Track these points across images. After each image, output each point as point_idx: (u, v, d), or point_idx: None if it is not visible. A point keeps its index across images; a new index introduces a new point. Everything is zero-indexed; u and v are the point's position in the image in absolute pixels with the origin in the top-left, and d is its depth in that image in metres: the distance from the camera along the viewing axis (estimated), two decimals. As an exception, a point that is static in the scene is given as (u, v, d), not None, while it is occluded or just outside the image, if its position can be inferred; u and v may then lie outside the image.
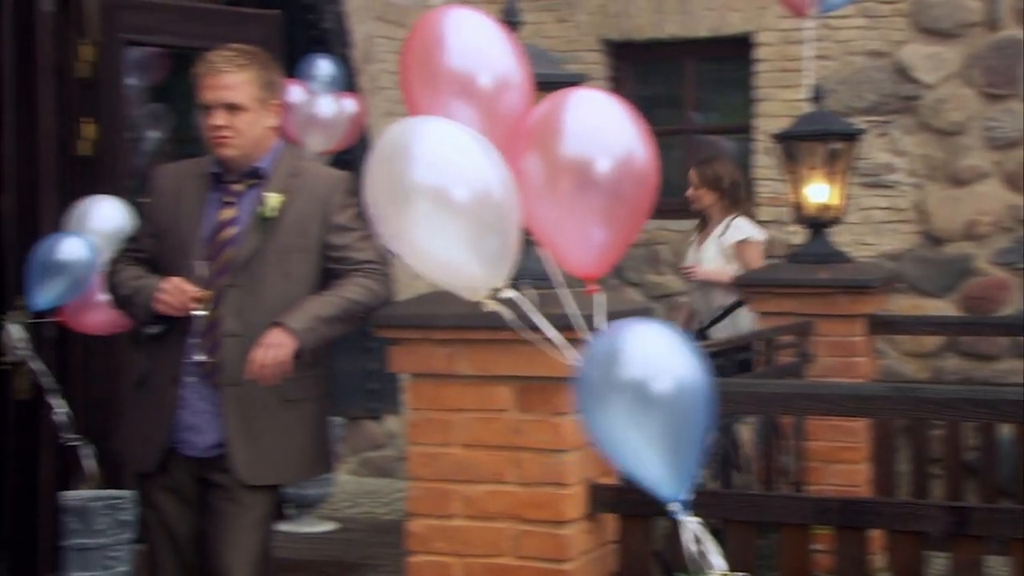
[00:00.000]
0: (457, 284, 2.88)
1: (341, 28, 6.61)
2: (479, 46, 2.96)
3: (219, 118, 3.43)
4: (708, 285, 5.91)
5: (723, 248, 5.90)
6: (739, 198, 6.01)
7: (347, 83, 6.04)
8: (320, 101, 5.67)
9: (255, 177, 3.52)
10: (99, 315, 4.29)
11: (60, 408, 4.29)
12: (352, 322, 3.48)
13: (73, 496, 4.31)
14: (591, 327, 2.86)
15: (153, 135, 5.95)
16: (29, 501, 4.59)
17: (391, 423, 7.17)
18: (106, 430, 4.60)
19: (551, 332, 2.86)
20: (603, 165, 2.82)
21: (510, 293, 2.84)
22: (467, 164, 2.76)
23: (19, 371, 4.44)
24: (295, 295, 3.44)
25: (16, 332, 4.34)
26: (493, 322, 3.18)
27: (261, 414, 3.43)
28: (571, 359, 2.78)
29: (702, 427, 2.53)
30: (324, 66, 5.82)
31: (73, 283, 4.20)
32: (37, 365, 4.34)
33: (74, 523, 4.25)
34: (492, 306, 2.86)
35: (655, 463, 2.53)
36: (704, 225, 6.06)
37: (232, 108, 3.44)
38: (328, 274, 3.51)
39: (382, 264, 3.57)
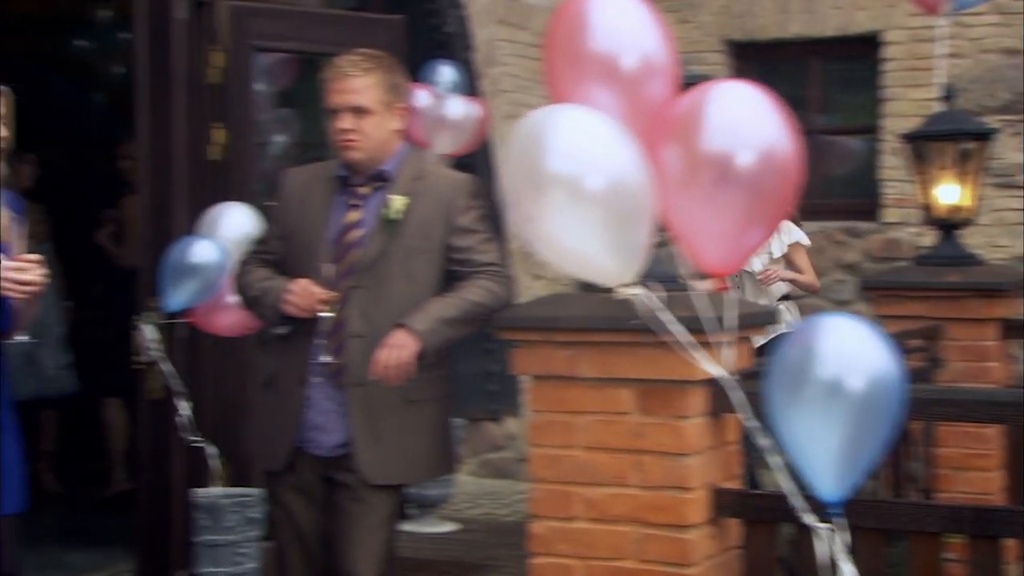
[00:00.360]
0: (589, 275, 2.86)
1: (464, 32, 6.65)
2: (624, 28, 2.91)
3: (346, 121, 3.48)
4: (761, 286, 5.86)
5: (773, 251, 5.83)
6: None
7: (469, 87, 6.07)
8: (449, 103, 5.73)
9: (380, 180, 3.56)
10: (228, 317, 4.36)
11: (184, 409, 4.37)
12: (474, 324, 3.50)
13: (204, 493, 4.39)
14: (722, 328, 2.83)
15: (280, 139, 6.06)
16: (162, 498, 4.70)
17: (511, 425, 7.19)
18: (235, 429, 4.69)
19: (680, 332, 2.83)
20: (745, 159, 2.76)
21: (639, 290, 2.82)
22: (603, 154, 2.72)
23: (152, 371, 4.53)
24: (419, 297, 3.47)
25: (149, 333, 4.43)
26: (615, 324, 3.17)
27: (385, 414, 3.47)
28: (701, 360, 2.76)
29: (886, 432, 2.49)
30: (447, 71, 5.88)
31: (204, 285, 4.28)
32: (167, 366, 4.44)
33: (205, 520, 4.33)
34: (626, 294, 2.84)
35: (828, 463, 2.48)
36: None
37: (358, 111, 3.48)
38: (451, 276, 3.54)
39: (504, 266, 3.59)
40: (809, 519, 2.50)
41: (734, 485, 3.25)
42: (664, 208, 2.80)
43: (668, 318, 2.82)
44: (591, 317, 3.25)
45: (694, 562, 3.13)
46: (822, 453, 2.50)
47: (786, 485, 2.54)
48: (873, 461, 2.55)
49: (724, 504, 3.20)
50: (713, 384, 3.14)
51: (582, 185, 2.69)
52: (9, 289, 3.26)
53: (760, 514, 3.14)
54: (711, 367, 2.90)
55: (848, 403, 2.46)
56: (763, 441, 2.58)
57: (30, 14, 7.23)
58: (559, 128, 2.76)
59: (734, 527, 3.25)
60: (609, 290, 2.86)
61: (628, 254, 2.76)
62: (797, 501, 2.52)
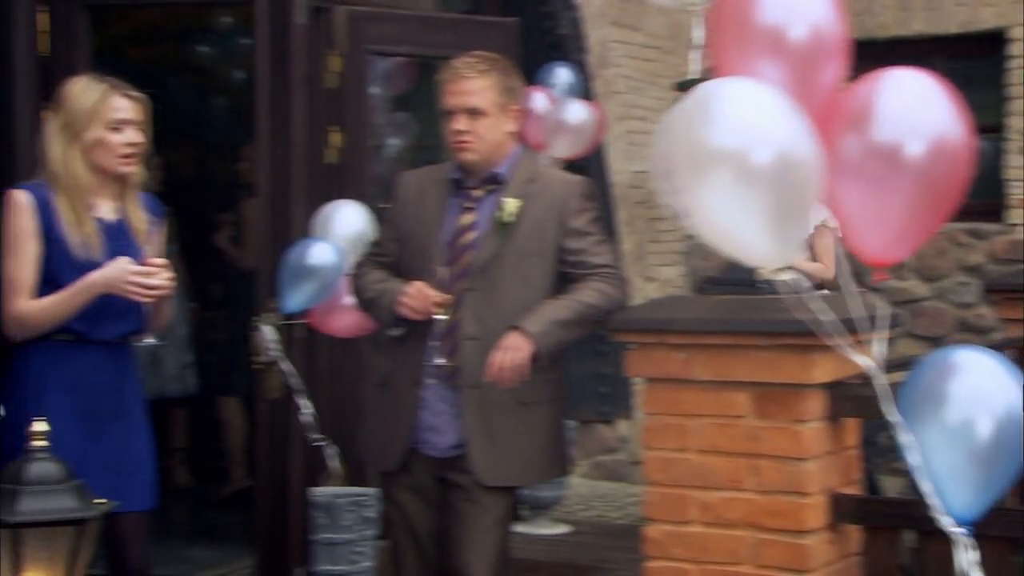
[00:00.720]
0: (741, 255, 2.81)
1: (577, 33, 6.64)
2: (797, 1, 2.83)
3: (461, 123, 3.50)
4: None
5: None
6: None
7: (583, 89, 6.07)
8: (569, 107, 5.73)
9: (494, 182, 3.57)
10: (345, 318, 4.41)
11: (307, 408, 4.43)
12: (588, 326, 3.49)
13: (320, 492, 4.45)
14: (873, 328, 2.78)
15: (395, 142, 6.12)
16: (280, 496, 4.77)
17: (622, 427, 7.16)
18: (350, 429, 4.74)
19: (831, 322, 2.77)
20: (915, 148, 2.69)
21: (789, 275, 2.78)
22: (773, 129, 2.64)
23: (271, 371, 4.60)
24: (532, 299, 3.47)
25: (268, 333, 4.50)
26: (730, 327, 3.14)
27: (499, 416, 3.48)
28: (849, 351, 2.70)
29: (1019, 462, 2.46)
30: (563, 73, 5.88)
31: (321, 287, 4.34)
32: (287, 366, 4.50)
33: (321, 518, 4.39)
34: (772, 275, 2.80)
35: (961, 487, 2.46)
36: None
37: (473, 113, 3.50)
38: (564, 278, 3.53)
39: (617, 268, 3.57)
40: (947, 524, 2.45)
41: (853, 490, 3.19)
42: (828, 193, 2.73)
43: (819, 306, 2.77)
44: (706, 319, 3.22)
45: (812, 568, 3.09)
46: (955, 479, 2.47)
47: (925, 487, 2.49)
48: (1007, 486, 2.50)
49: (843, 510, 3.15)
50: (832, 388, 3.09)
51: (749, 161, 2.61)
52: (136, 293, 3.35)
53: (881, 520, 3.09)
54: (860, 359, 2.81)
55: (981, 442, 2.43)
56: (904, 440, 2.53)
57: (155, 22, 7.42)
58: (728, 100, 2.70)
59: (854, 533, 3.20)
60: (752, 283, 2.82)
61: (788, 236, 2.69)
62: (935, 505, 2.47)
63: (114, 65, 3.86)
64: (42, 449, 2.65)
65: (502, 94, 3.53)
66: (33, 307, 3.36)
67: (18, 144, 4.63)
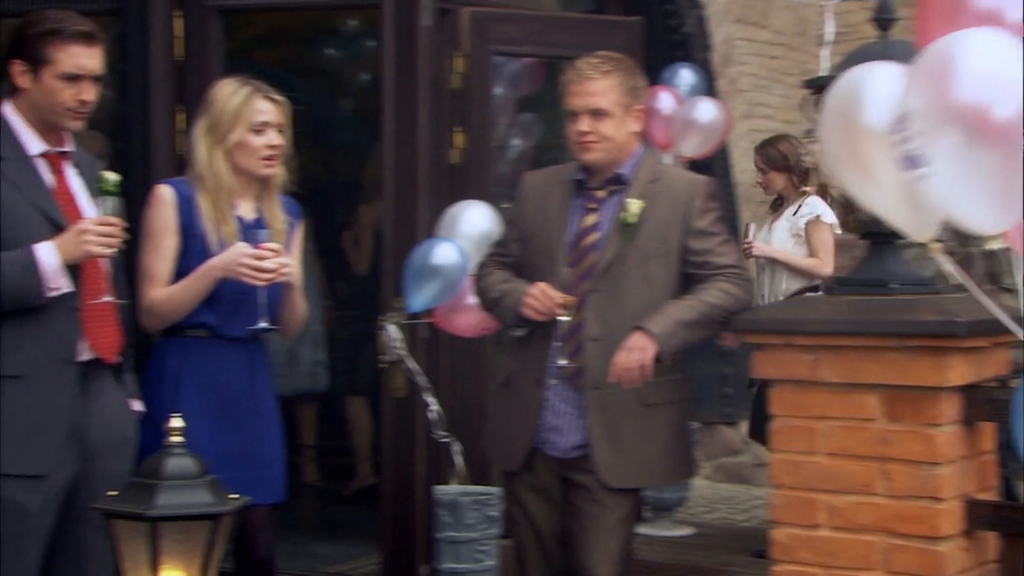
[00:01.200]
0: (963, 220, 2.67)
1: (702, 32, 6.59)
2: None
3: (584, 123, 3.50)
4: (775, 267, 5.53)
5: (796, 228, 5.52)
6: (808, 175, 5.60)
7: (707, 88, 6.02)
8: (699, 105, 5.69)
9: (617, 183, 3.56)
10: (468, 318, 4.44)
11: (433, 406, 4.47)
12: (712, 327, 3.46)
13: (445, 491, 4.48)
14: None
15: (518, 143, 6.14)
16: (405, 493, 4.82)
17: (746, 429, 7.08)
18: (474, 428, 4.77)
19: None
20: None
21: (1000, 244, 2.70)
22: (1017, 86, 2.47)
23: (396, 370, 4.65)
24: (655, 300, 3.46)
25: (394, 332, 4.55)
26: (860, 328, 3.09)
27: (623, 417, 3.46)
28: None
29: None
30: (687, 73, 5.83)
31: (445, 287, 4.37)
32: (412, 364, 4.54)
33: (446, 516, 4.42)
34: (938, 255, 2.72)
35: None
36: (778, 207, 5.73)
37: (597, 114, 3.49)
38: (688, 279, 3.51)
39: (743, 268, 3.53)
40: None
41: (990, 496, 3.11)
42: None
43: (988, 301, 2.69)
44: (835, 320, 3.17)
45: (946, 575, 3.02)
46: None
47: None
48: None
49: (979, 516, 3.07)
50: (967, 391, 3.01)
51: (990, 117, 2.46)
52: (250, 276, 3.39)
53: (1019, 527, 3.00)
54: None
55: None
56: None
57: (284, 25, 7.55)
58: (973, 53, 2.54)
59: (990, 540, 3.11)
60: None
61: (1012, 204, 2.55)
62: None
63: (244, 68, 3.93)
64: (178, 444, 2.71)
65: (626, 94, 3.52)
66: (161, 295, 3.45)
67: (156, 145, 4.77)
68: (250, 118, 3.51)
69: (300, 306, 3.66)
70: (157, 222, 3.49)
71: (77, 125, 3.22)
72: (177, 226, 3.48)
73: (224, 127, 3.51)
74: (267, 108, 3.54)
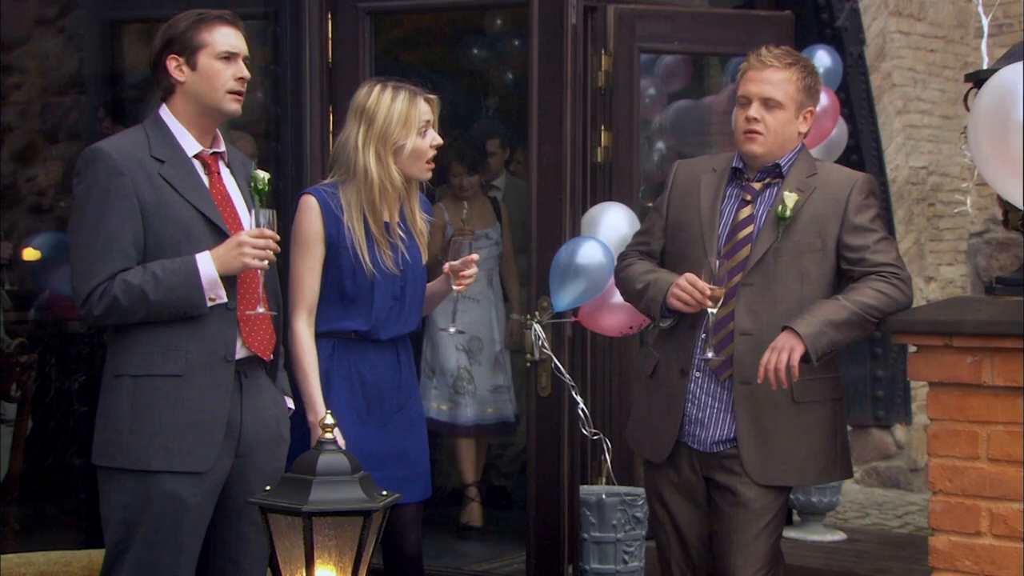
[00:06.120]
0: None
1: (856, 25, 6.45)
2: None
3: (754, 110, 3.44)
4: None
5: None
6: None
7: (843, 73, 5.82)
8: None
9: (774, 176, 3.49)
10: (613, 317, 4.43)
11: (580, 404, 4.46)
12: (866, 327, 3.37)
13: (590, 491, 4.47)
14: None
15: (662, 142, 6.08)
16: (551, 492, 4.81)
17: (899, 432, 6.91)
18: (618, 428, 4.74)
19: None
20: None
21: None
22: None
23: (543, 368, 4.65)
24: (808, 296, 3.38)
25: (539, 331, 4.56)
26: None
27: (771, 414, 3.40)
28: None
29: None
30: (822, 55, 5.66)
31: (590, 286, 4.36)
32: (557, 363, 4.55)
33: (591, 517, 4.41)
34: None
35: None
36: None
37: (769, 104, 3.43)
38: (843, 276, 3.43)
39: (901, 267, 3.43)
40: None
41: None
42: None
43: None
44: (998, 322, 3.06)
45: (1115, 588, 2.89)
46: None
47: None
48: None
49: None
50: None
51: None
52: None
53: None
54: None
55: None
56: None
57: (429, 26, 7.63)
58: None
59: None
60: None
61: None
62: None
63: (391, 69, 3.97)
64: (331, 441, 2.75)
65: (801, 91, 3.46)
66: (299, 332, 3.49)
67: (309, 147, 4.85)
68: (418, 121, 3.52)
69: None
70: (307, 231, 3.51)
71: (236, 108, 3.23)
72: (322, 235, 3.51)
73: (395, 135, 3.50)
74: (427, 109, 3.57)
